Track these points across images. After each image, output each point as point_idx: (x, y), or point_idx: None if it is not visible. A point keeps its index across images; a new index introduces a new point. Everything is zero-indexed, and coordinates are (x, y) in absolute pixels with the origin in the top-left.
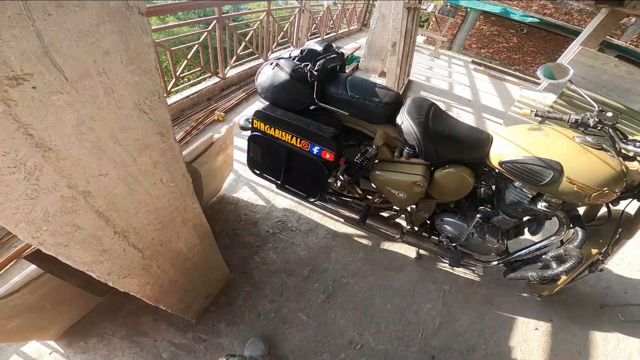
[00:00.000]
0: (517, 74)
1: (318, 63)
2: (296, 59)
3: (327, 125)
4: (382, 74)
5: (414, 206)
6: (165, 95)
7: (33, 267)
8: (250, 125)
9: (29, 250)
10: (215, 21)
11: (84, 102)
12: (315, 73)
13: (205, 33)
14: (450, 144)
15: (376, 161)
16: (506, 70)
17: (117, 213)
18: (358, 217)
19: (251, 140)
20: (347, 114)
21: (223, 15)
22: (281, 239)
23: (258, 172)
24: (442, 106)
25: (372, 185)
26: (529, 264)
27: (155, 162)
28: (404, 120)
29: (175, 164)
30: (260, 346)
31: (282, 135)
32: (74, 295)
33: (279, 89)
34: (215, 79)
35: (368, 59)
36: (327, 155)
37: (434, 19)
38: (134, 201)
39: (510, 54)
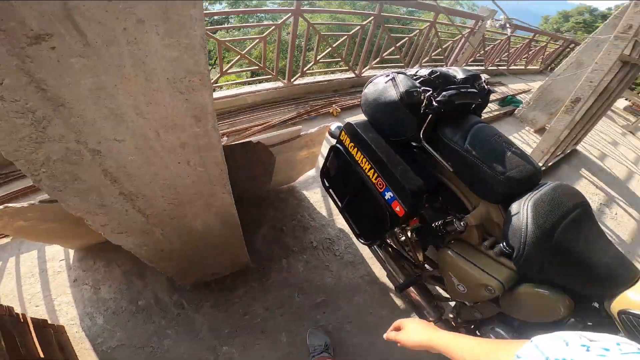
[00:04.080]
0: None
1: (444, 93)
2: (420, 80)
3: (417, 174)
4: (540, 131)
5: None
6: (221, 77)
7: None
8: (338, 135)
9: None
10: (372, 17)
11: (107, 69)
12: (435, 104)
13: (358, 27)
14: (572, 268)
15: (458, 237)
16: None
17: (127, 177)
18: (400, 281)
19: (332, 150)
20: (451, 170)
21: (384, 14)
22: (319, 256)
23: (327, 184)
24: (600, 197)
25: (437, 260)
26: None
27: (184, 143)
28: (522, 212)
29: (208, 151)
30: (320, 336)
31: (361, 160)
32: None
33: (381, 107)
34: (349, 74)
35: (531, 107)
36: (397, 208)
37: None
38: (149, 172)
39: None
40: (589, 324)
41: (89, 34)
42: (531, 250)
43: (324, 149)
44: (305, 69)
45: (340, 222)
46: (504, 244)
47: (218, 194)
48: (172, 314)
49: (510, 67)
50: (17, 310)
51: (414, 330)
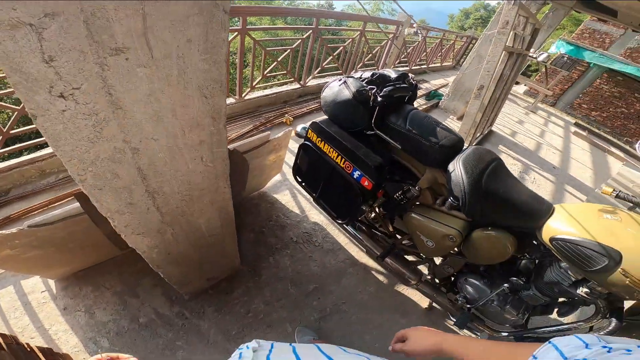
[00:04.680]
0: (627, 147)
1: (384, 89)
2: (365, 81)
3: (376, 154)
4: (462, 118)
5: (440, 258)
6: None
7: (76, 205)
8: (304, 134)
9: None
10: (310, 31)
11: (160, 78)
12: (380, 99)
13: (299, 40)
14: (501, 207)
15: (416, 203)
16: (614, 140)
17: (154, 174)
18: (379, 253)
19: (301, 148)
20: (400, 147)
21: (321, 27)
22: (301, 249)
23: (299, 179)
24: (518, 167)
25: (405, 226)
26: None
27: (201, 141)
28: (456, 168)
29: (218, 147)
30: (309, 332)
31: (329, 151)
32: (98, 242)
33: (339, 106)
34: (295, 85)
35: (451, 98)
36: (366, 183)
37: (543, 70)
38: (172, 169)
39: (626, 122)
40: (537, 261)
41: (154, 49)
42: (471, 196)
43: (288, 157)
44: (254, 84)
45: (314, 217)
46: (451, 198)
47: (221, 189)
48: (177, 325)
49: (429, 66)
50: None
51: (420, 337)
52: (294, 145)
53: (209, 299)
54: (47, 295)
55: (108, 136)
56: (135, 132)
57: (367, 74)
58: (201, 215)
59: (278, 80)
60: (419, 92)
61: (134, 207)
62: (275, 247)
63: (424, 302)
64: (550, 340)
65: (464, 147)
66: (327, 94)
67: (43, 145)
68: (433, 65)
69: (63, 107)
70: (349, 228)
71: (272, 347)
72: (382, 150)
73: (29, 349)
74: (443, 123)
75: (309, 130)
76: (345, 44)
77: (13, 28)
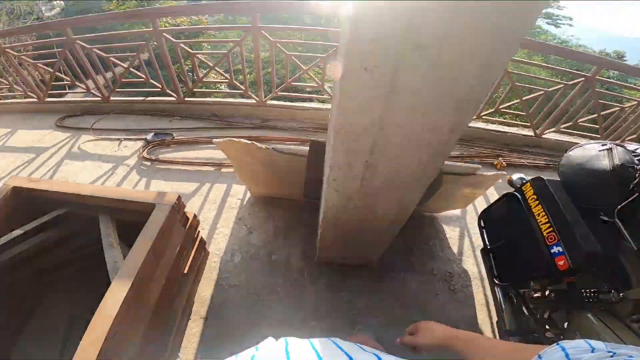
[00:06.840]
0: None
1: None
2: (638, 157)
3: (596, 239)
4: None
5: None
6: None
7: (306, 148)
8: (518, 185)
9: None
10: (580, 83)
11: (434, 77)
12: None
13: (562, 86)
14: None
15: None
16: None
17: (380, 151)
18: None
19: (506, 196)
20: (636, 249)
21: (598, 77)
22: (433, 284)
23: (482, 224)
24: None
25: (567, 320)
26: None
27: (429, 144)
28: None
29: (438, 156)
30: (370, 334)
31: (539, 213)
32: (297, 183)
33: (586, 174)
34: (528, 131)
35: None
36: (561, 262)
37: None
38: (393, 154)
39: None
40: None
41: (444, 50)
42: None
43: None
44: (480, 113)
45: (467, 265)
46: None
47: (413, 191)
48: (291, 277)
49: None
50: None
51: (430, 330)
52: (490, 191)
53: (330, 272)
54: (238, 203)
55: (374, 109)
56: (390, 113)
57: None
58: (385, 202)
59: (520, 120)
60: None
61: (348, 168)
62: (412, 268)
63: None
64: (559, 342)
65: None
66: (576, 154)
67: (294, 100)
68: None
69: (361, 77)
70: (498, 289)
71: (286, 343)
72: (607, 238)
73: (196, 235)
74: None
75: (528, 184)
76: (624, 106)
77: None
